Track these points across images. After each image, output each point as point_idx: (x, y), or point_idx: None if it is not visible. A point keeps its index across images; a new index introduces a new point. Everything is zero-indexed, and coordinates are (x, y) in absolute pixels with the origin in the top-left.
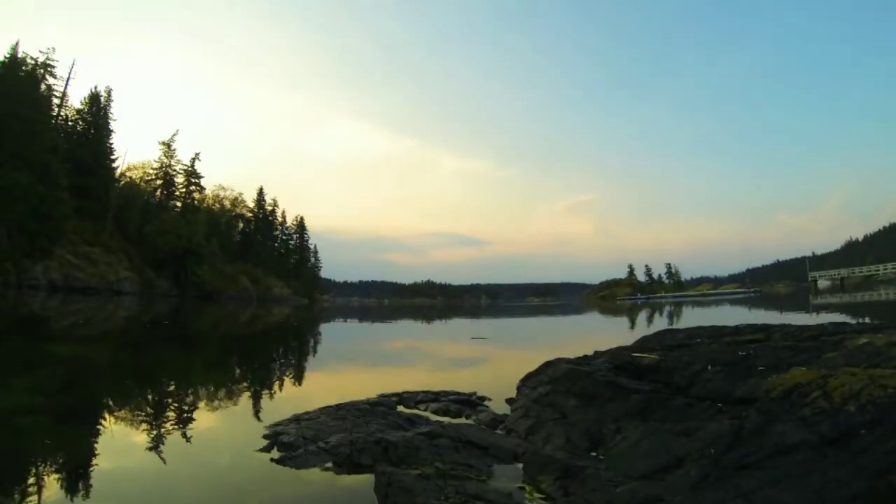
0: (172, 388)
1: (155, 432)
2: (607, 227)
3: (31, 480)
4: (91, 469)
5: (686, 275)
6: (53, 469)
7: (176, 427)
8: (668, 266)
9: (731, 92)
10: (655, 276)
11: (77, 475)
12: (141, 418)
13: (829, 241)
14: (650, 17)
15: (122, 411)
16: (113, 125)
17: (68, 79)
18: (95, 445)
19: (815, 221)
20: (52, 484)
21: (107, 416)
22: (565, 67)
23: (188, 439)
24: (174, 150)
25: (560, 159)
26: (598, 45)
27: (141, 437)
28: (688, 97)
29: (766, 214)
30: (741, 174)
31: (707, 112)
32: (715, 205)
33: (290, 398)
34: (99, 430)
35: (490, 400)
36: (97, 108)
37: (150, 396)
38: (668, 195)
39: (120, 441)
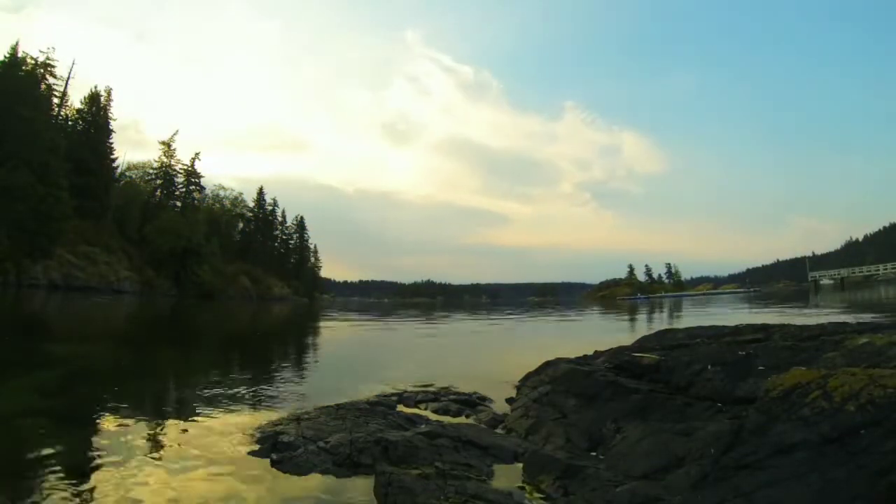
0: (171, 388)
1: (154, 433)
2: (607, 227)
3: (31, 482)
4: (90, 471)
5: (686, 274)
6: (52, 471)
7: (175, 427)
8: (668, 266)
9: (737, 89)
10: (655, 275)
11: (76, 477)
12: (140, 419)
13: (833, 241)
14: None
15: (121, 412)
16: (113, 125)
17: (68, 78)
18: (94, 447)
19: (823, 222)
20: (52, 486)
21: (106, 417)
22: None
23: (187, 440)
24: (174, 149)
25: None
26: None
27: (140, 437)
28: (693, 96)
29: (770, 214)
30: (743, 174)
31: (710, 111)
32: (717, 205)
33: (290, 398)
34: (98, 431)
35: (490, 400)
36: (97, 107)
37: (148, 397)
38: (669, 195)
39: (119, 442)
